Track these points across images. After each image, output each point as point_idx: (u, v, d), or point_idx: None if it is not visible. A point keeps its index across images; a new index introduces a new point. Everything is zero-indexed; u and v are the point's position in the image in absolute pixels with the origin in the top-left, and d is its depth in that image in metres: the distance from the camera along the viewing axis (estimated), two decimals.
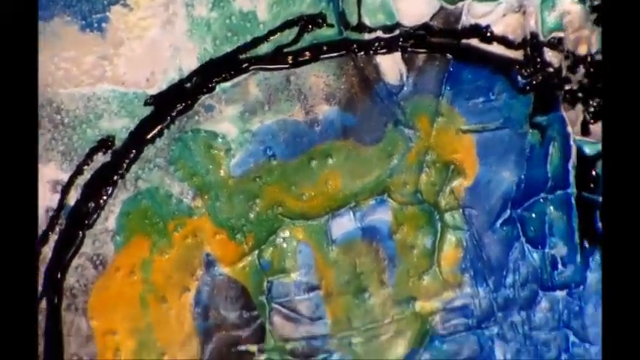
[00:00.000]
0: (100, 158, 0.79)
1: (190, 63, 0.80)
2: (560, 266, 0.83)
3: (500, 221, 0.83)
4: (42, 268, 0.77)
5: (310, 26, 0.80)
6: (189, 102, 0.80)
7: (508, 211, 0.83)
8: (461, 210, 0.83)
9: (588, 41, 0.82)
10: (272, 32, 0.80)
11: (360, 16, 0.81)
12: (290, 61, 0.80)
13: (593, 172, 0.83)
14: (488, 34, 0.81)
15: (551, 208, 0.83)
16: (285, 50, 0.80)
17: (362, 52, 0.81)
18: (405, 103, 0.81)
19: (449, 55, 0.81)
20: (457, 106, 0.82)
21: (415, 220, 0.83)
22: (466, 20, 0.81)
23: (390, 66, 0.81)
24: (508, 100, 0.82)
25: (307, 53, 0.80)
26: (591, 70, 0.82)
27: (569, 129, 0.82)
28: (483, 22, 0.81)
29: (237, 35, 0.80)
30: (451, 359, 0.84)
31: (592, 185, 0.83)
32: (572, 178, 0.83)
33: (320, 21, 0.81)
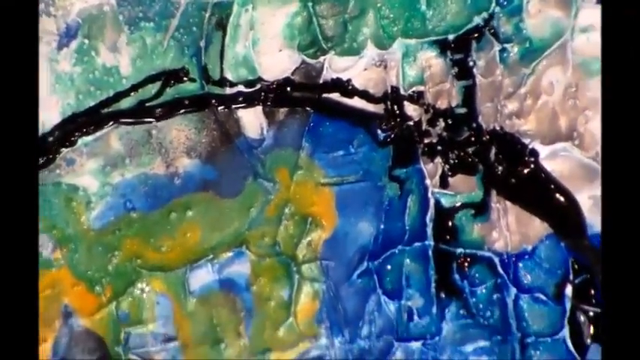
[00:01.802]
0: None
1: (53, 117, 1.18)
2: (415, 317, 1.29)
3: (357, 273, 1.27)
4: None
5: (172, 81, 1.20)
6: (50, 156, 1.19)
7: (365, 263, 1.27)
8: (318, 262, 1.26)
9: (449, 95, 1.24)
10: (135, 87, 1.19)
11: (222, 70, 1.20)
12: (152, 115, 1.19)
13: (450, 224, 1.27)
14: (350, 88, 1.22)
15: (408, 260, 1.27)
16: (148, 104, 1.20)
17: (223, 107, 1.21)
18: (265, 156, 1.22)
19: (309, 109, 1.23)
20: (317, 159, 1.23)
21: (273, 272, 1.25)
22: (327, 74, 1.22)
23: (251, 120, 1.21)
24: (368, 153, 1.23)
25: (164, 109, 1.19)
26: (451, 123, 1.25)
27: (428, 182, 1.26)
28: (345, 76, 1.22)
29: (100, 90, 1.18)
30: None
31: (449, 237, 1.27)
32: (429, 231, 1.27)
33: (182, 76, 1.20)
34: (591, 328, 1.25)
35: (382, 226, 1.24)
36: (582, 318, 1.25)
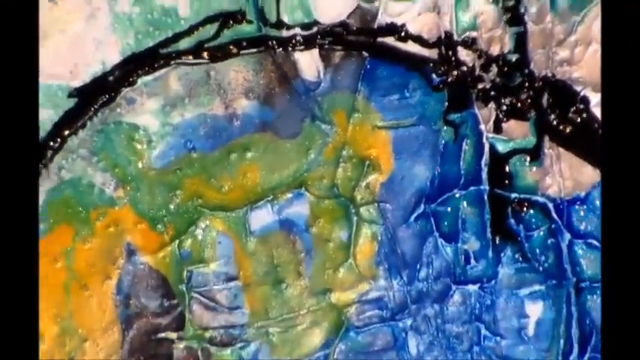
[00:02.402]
0: None
1: (113, 57, 1.25)
2: (472, 261, 1.32)
3: (414, 216, 1.30)
4: None
5: (230, 22, 1.26)
6: (111, 95, 1.26)
7: (422, 207, 1.30)
8: (376, 204, 1.30)
9: (501, 41, 1.28)
10: (193, 28, 1.25)
11: (278, 13, 1.26)
12: (210, 56, 1.25)
13: (504, 169, 1.31)
14: (404, 33, 1.27)
15: (464, 204, 1.31)
16: (206, 45, 1.26)
17: (280, 49, 1.27)
18: (322, 99, 1.28)
19: (365, 53, 1.28)
20: (373, 102, 1.28)
21: (332, 213, 1.30)
22: (382, 19, 1.27)
23: (308, 62, 1.26)
24: (422, 98, 1.28)
25: (231, 47, 1.25)
26: (504, 69, 1.29)
27: (482, 127, 1.30)
28: (399, 21, 1.27)
29: (158, 30, 1.25)
30: (365, 350, 1.32)
31: (504, 182, 1.31)
32: (484, 175, 1.31)
33: (240, 17, 1.26)
34: None
35: (438, 170, 1.27)
36: None
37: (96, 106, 1.22)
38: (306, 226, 1.27)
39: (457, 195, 1.29)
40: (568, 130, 1.27)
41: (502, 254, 1.30)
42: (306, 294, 1.29)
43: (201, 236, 1.26)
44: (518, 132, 1.28)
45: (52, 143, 1.22)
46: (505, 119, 1.28)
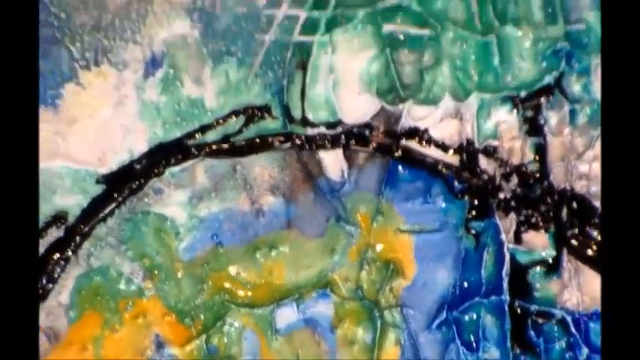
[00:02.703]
0: (54, 233, 1.26)
1: (140, 145, 1.25)
2: None
3: (436, 322, 1.32)
4: None
5: (256, 117, 1.31)
6: (139, 183, 1.27)
7: (444, 313, 1.32)
8: (399, 309, 1.32)
9: (521, 151, 1.34)
10: (219, 120, 1.27)
11: (303, 110, 1.30)
12: (236, 150, 1.29)
13: (525, 281, 1.33)
14: (426, 137, 1.33)
15: (486, 312, 1.32)
16: (232, 139, 1.29)
17: (306, 146, 1.31)
18: (345, 199, 1.32)
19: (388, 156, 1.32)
20: (396, 205, 1.32)
21: (356, 315, 1.31)
22: (405, 122, 1.32)
23: (333, 162, 1.30)
24: (445, 204, 1.33)
25: (256, 140, 1.29)
26: (524, 179, 1.34)
27: (503, 237, 1.33)
28: (422, 125, 1.33)
29: (185, 121, 1.29)
30: None
31: (524, 293, 1.33)
32: (505, 285, 1.33)
33: (265, 112, 1.28)
34: None
35: (459, 277, 1.29)
36: None
37: (124, 194, 1.24)
38: (331, 327, 1.28)
39: (478, 303, 1.30)
40: (586, 243, 1.30)
41: None
42: None
43: (228, 332, 1.26)
44: (538, 243, 1.31)
45: (80, 228, 1.23)
46: (525, 230, 1.31)
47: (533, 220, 1.30)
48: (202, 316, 1.26)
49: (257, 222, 1.27)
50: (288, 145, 1.26)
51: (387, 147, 1.29)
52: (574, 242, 1.30)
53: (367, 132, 1.28)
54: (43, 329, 1.21)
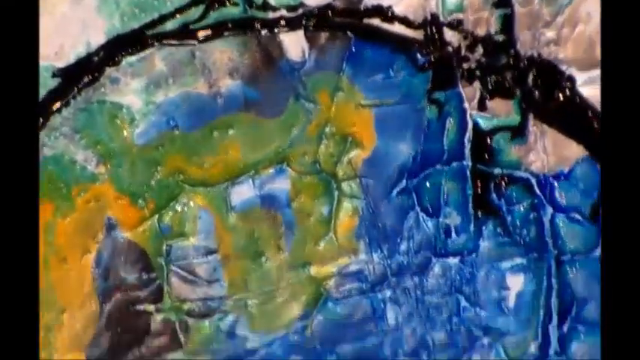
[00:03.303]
0: None
1: (98, 38, 2.43)
2: (453, 234, 2.63)
3: (396, 191, 2.59)
4: None
5: (216, 4, 2.42)
6: (95, 75, 2.44)
7: (404, 182, 2.57)
8: (358, 180, 2.54)
9: (487, 22, 2.49)
10: (178, 10, 2.42)
11: None
12: (195, 38, 2.43)
13: (488, 146, 2.57)
14: (390, 14, 2.47)
15: (447, 179, 2.58)
16: (191, 27, 2.45)
17: (266, 30, 2.48)
18: (306, 78, 2.46)
19: (350, 34, 2.48)
20: (357, 82, 2.47)
21: (313, 188, 2.53)
22: (368, 0, 2.46)
23: (293, 43, 2.43)
24: (407, 77, 2.50)
25: (215, 26, 2.43)
26: (489, 49, 2.52)
27: (466, 105, 2.55)
28: (385, 3, 2.48)
29: (144, 12, 2.40)
30: (344, 321, 2.65)
31: (486, 158, 2.59)
32: (467, 151, 2.58)
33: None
34: None
35: (421, 147, 2.44)
36: None
37: (79, 86, 2.33)
38: (288, 202, 2.45)
39: (439, 170, 2.54)
40: (553, 108, 2.47)
41: (483, 228, 2.61)
42: (285, 267, 2.52)
43: (182, 211, 2.44)
44: (503, 110, 2.51)
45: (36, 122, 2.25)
46: (489, 97, 2.49)
47: (499, 86, 2.43)
48: (155, 197, 2.33)
49: (215, 105, 2.33)
50: (248, 30, 2.28)
51: (349, 26, 2.38)
52: (541, 106, 2.42)
53: (329, 13, 2.33)
54: None
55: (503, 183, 2.84)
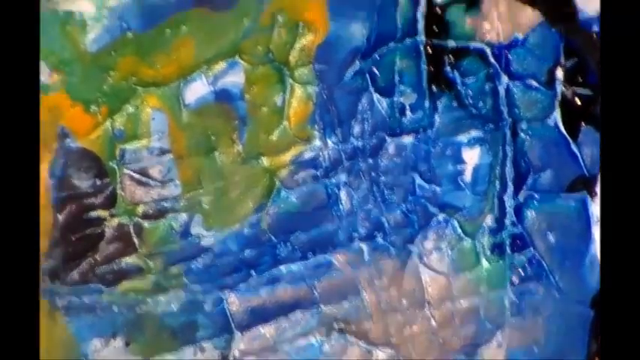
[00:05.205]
0: None
1: None
2: (408, 112, 3.35)
3: (349, 73, 3.30)
4: None
5: None
6: None
7: (357, 63, 3.29)
8: (311, 66, 3.25)
9: None
10: None
11: None
12: None
13: (442, 19, 3.25)
14: None
15: (401, 56, 3.30)
16: None
17: None
18: None
19: None
20: None
21: (266, 79, 3.23)
22: None
23: None
24: None
25: None
26: None
27: None
28: None
29: None
30: (299, 210, 3.42)
31: (440, 32, 3.29)
32: (420, 27, 3.29)
33: None
34: (584, 110, 3.24)
35: (374, 27, 3.15)
36: (576, 100, 3.30)
37: None
38: (241, 94, 3.15)
39: (393, 48, 3.24)
40: None
41: (439, 102, 3.32)
42: (239, 161, 3.24)
43: (135, 113, 3.10)
44: None
45: None
46: None
47: None
48: (108, 102, 3.00)
49: (167, 3, 2.97)
50: None
51: None
52: None
53: None
54: None
55: (457, 56, 3.42)
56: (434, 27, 3.52)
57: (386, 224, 3.61)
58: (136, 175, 3.49)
